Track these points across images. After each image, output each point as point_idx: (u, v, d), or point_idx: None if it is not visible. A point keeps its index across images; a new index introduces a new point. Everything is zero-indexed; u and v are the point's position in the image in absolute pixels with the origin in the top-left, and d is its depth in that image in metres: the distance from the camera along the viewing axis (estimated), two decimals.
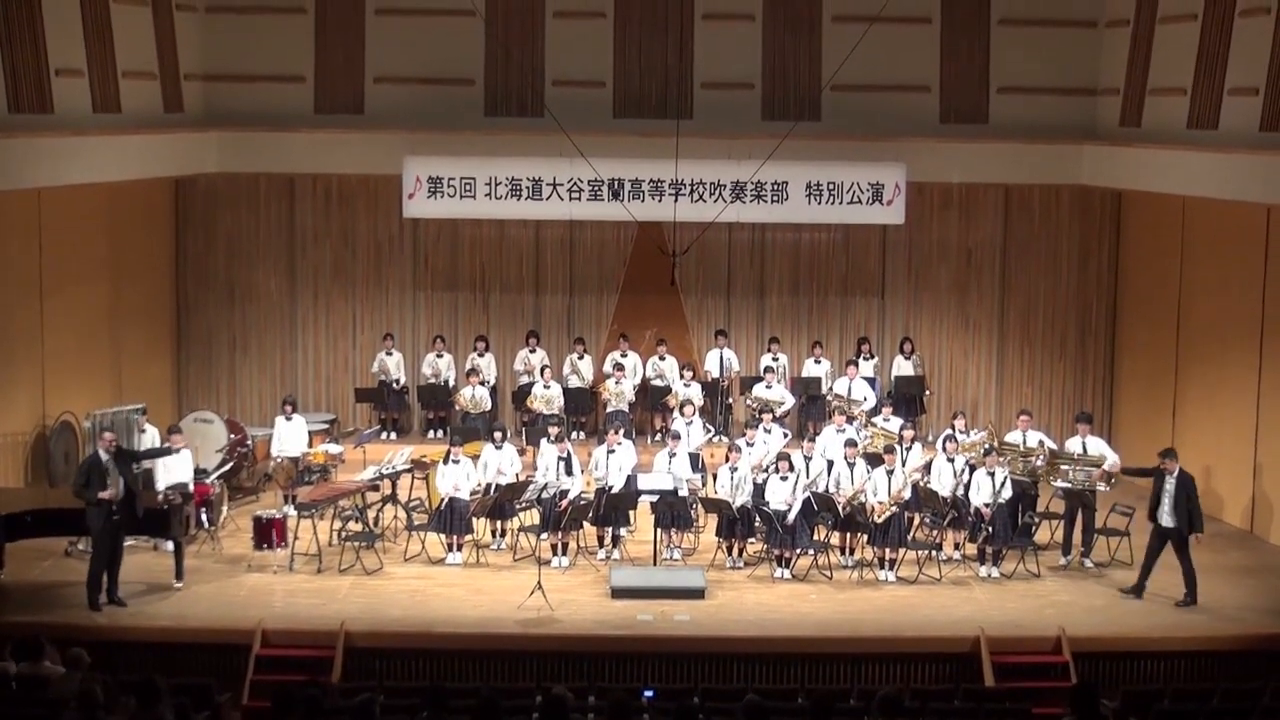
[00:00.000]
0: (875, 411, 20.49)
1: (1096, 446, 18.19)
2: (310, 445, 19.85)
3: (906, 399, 21.76)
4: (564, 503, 17.60)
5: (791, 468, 17.52)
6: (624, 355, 22.18)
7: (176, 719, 10.99)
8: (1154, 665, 15.65)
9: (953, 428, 18.76)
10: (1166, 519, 16.56)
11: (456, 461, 17.91)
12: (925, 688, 14.97)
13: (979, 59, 22.61)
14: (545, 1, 22.48)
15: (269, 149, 22.25)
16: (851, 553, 17.80)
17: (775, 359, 21.99)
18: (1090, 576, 17.60)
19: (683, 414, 19.70)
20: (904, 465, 17.79)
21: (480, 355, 22.33)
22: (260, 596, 16.54)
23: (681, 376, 21.64)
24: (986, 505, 17.30)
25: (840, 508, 17.41)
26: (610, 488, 17.89)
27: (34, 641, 12.54)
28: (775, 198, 21.81)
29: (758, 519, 17.58)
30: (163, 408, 21.55)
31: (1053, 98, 22.41)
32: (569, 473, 17.95)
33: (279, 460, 19.62)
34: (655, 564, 17.52)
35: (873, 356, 22.27)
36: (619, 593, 16.61)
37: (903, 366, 22.30)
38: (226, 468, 19.35)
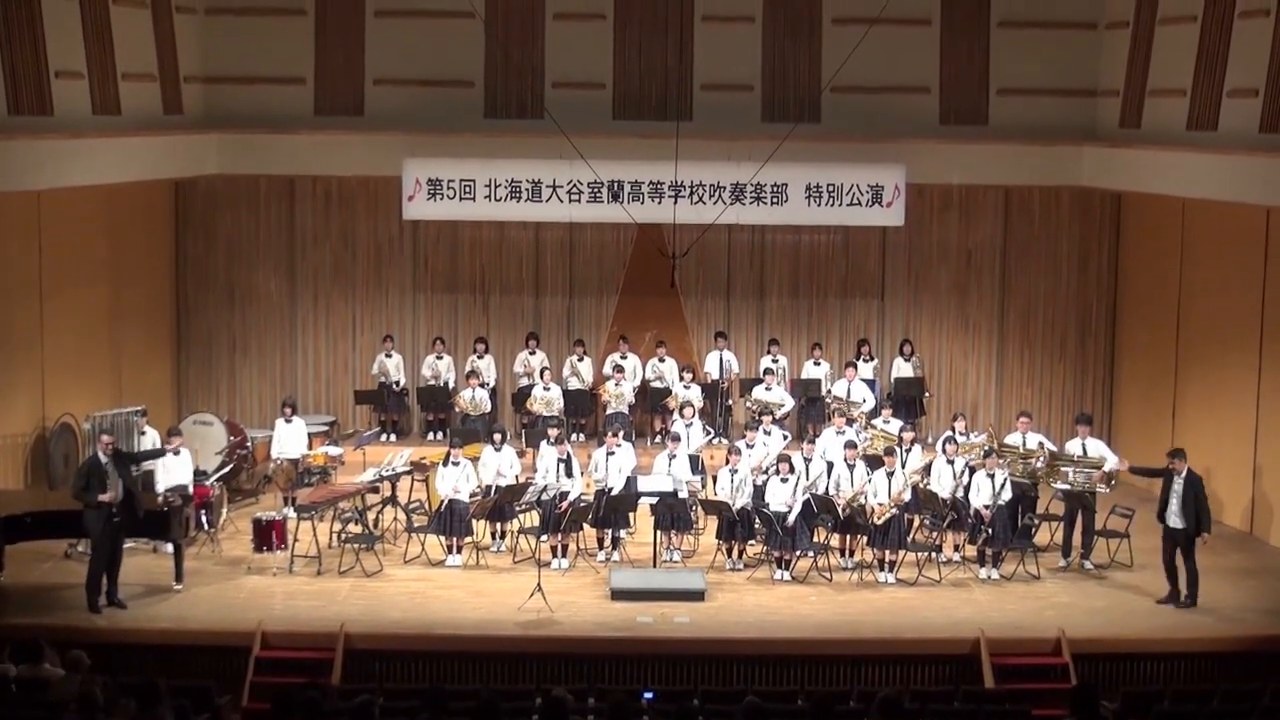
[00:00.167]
0: (875, 413, 20.49)
1: (1096, 448, 18.19)
2: (310, 447, 19.85)
3: (906, 401, 21.76)
4: (564, 505, 17.60)
5: (791, 469, 17.52)
6: (624, 357, 22.18)
7: None
8: (1154, 667, 15.65)
9: (953, 429, 18.75)
10: (1174, 519, 16.55)
11: (456, 463, 17.91)
12: (925, 689, 14.99)
13: (979, 60, 22.62)
14: (545, 3, 22.48)
15: (269, 151, 22.25)
16: (851, 554, 17.80)
17: (775, 361, 21.99)
18: (1090, 578, 17.60)
19: (682, 416, 19.70)
20: (904, 467, 17.79)
21: (480, 357, 22.33)
22: (260, 598, 16.53)
23: (681, 378, 21.64)
24: (986, 507, 17.30)
25: (840, 510, 17.41)
26: (610, 489, 17.89)
27: (34, 644, 12.54)
28: (775, 199, 21.81)
29: (757, 521, 17.58)
30: (163, 410, 21.55)
31: (1052, 99, 22.41)
32: (569, 475, 17.95)
33: (279, 462, 19.61)
34: (655, 566, 17.52)
35: (872, 358, 22.28)
36: (619, 594, 16.61)
37: (902, 368, 22.30)
38: (226, 470, 19.35)
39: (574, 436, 21.42)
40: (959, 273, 23.02)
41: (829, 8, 22.37)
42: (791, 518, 17.20)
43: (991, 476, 17.40)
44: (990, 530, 17.35)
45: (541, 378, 21.58)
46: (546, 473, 17.94)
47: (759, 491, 17.61)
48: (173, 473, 17.81)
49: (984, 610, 16.46)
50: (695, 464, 18.62)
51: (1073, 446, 18.25)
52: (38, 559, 17.22)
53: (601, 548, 18.05)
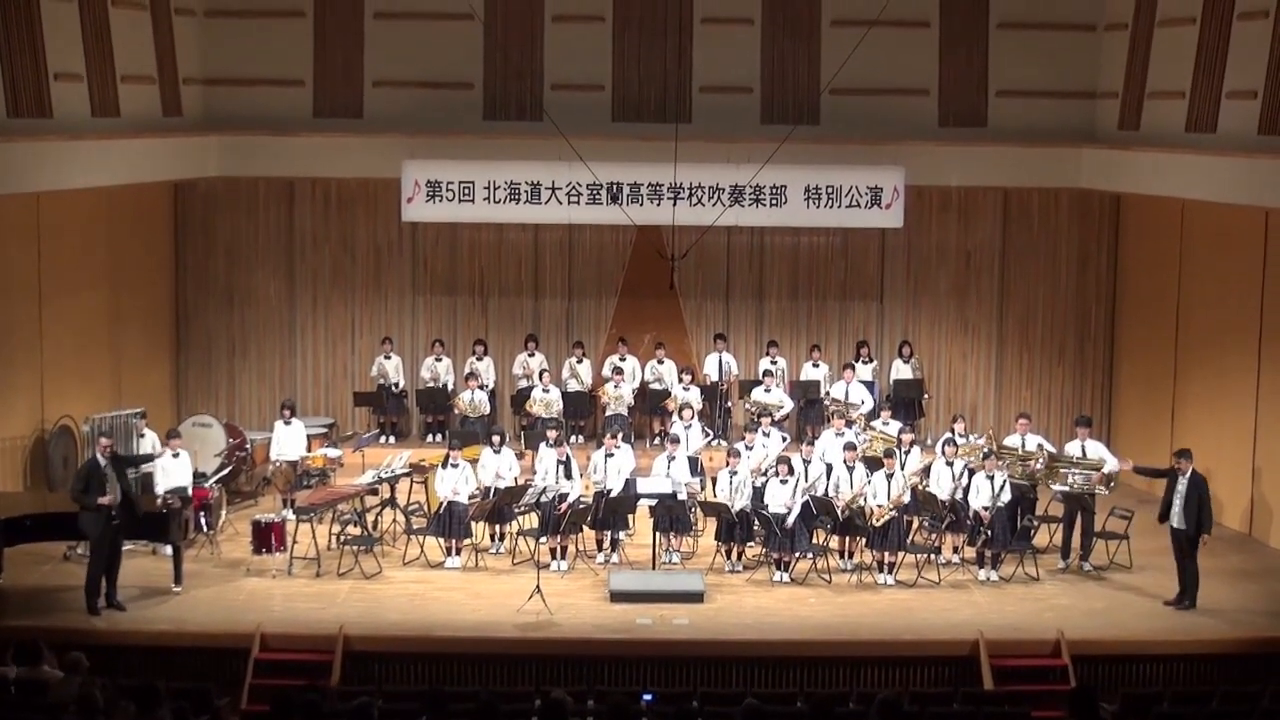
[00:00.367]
0: (874, 415, 20.49)
1: (1096, 450, 18.19)
2: (309, 449, 19.84)
3: (905, 402, 21.76)
4: (563, 506, 17.60)
5: (791, 471, 17.52)
6: (623, 359, 22.18)
7: None
8: (1153, 668, 15.65)
9: (952, 431, 18.75)
10: (1177, 520, 16.56)
11: (455, 465, 17.92)
12: (924, 691, 15.00)
13: (978, 62, 22.62)
14: (544, 5, 22.48)
15: (268, 153, 22.24)
16: (850, 556, 17.80)
17: (774, 363, 21.99)
18: (1089, 580, 17.60)
19: (681, 418, 19.70)
20: (903, 469, 17.79)
21: (479, 359, 22.34)
22: (259, 600, 16.53)
23: (680, 380, 21.64)
24: (985, 509, 17.30)
25: (839, 511, 17.41)
26: (609, 491, 17.89)
27: (33, 646, 12.53)
28: (774, 201, 21.83)
29: (756, 523, 17.59)
30: (162, 412, 21.55)
31: (1051, 101, 22.42)
32: (568, 476, 17.95)
33: (278, 464, 19.61)
34: (654, 568, 17.52)
35: (871, 360, 22.28)
36: (618, 596, 16.61)
37: (901, 370, 22.30)
38: (225, 472, 19.35)
39: (573, 438, 21.40)
40: (958, 274, 23.02)
41: (828, 10, 22.38)
42: (790, 519, 17.20)
43: (991, 478, 17.41)
44: (989, 532, 17.35)
45: (540, 380, 21.58)
46: (545, 475, 17.94)
47: (758, 493, 17.61)
48: (172, 475, 17.84)
49: (983, 612, 16.46)
50: (694, 466, 18.62)
51: (1072, 448, 18.25)
52: (37, 561, 17.22)
53: (600, 550, 18.05)
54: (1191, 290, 20.84)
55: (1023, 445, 18.44)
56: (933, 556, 17.60)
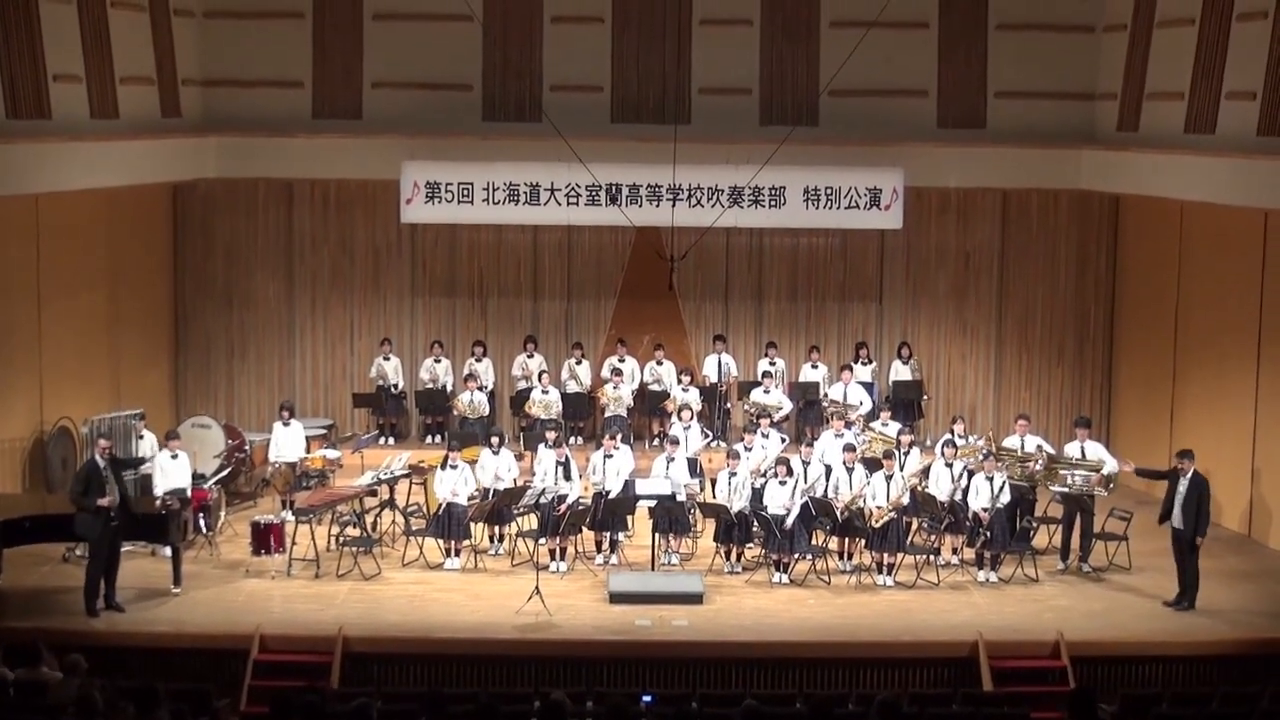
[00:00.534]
0: (874, 416, 20.49)
1: (1095, 451, 18.19)
2: (308, 450, 19.85)
3: (904, 404, 21.75)
4: (562, 508, 17.60)
5: (790, 472, 17.52)
6: (622, 360, 22.17)
7: None
8: (1152, 669, 15.65)
9: (951, 432, 18.75)
10: (1177, 521, 16.55)
11: (454, 466, 17.91)
12: (923, 692, 14.99)
13: (977, 64, 22.63)
14: (543, 6, 22.49)
15: (267, 154, 22.24)
16: (850, 557, 17.79)
17: (772, 364, 21.99)
18: (1088, 581, 17.60)
19: (680, 419, 19.70)
20: (902, 470, 17.80)
21: (478, 360, 22.33)
22: (258, 602, 16.53)
23: (679, 381, 21.64)
24: (985, 510, 17.30)
25: (838, 512, 17.41)
26: (608, 493, 17.88)
27: (32, 647, 12.53)
28: (773, 203, 21.84)
29: (756, 524, 17.59)
30: (161, 413, 21.54)
31: (1050, 102, 22.42)
32: (567, 477, 17.95)
33: (277, 465, 19.61)
34: (653, 569, 17.52)
35: (871, 361, 22.28)
36: (617, 598, 16.61)
37: (900, 371, 22.29)
38: (224, 473, 19.35)
39: (572, 439, 21.37)
40: (957, 276, 23.02)
41: (827, 11, 22.39)
42: (789, 521, 17.20)
43: (990, 479, 17.41)
44: (989, 533, 17.35)
45: (540, 381, 21.58)
46: (545, 476, 17.94)
47: (757, 494, 17.61)
48: (171, 476, 17.83)
49: (982, 613, 16.45)
50: (693, 467, 18.62)
51: (1071, 449, 18.25)
52: (36, 562, 17.21)
53: (600, 551, 18.05)
54: (1190, 291, 20.84)
55: (1022, 446, 18.44)
56: (932, 558, 17.59)
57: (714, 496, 18.02)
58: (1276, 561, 18.64)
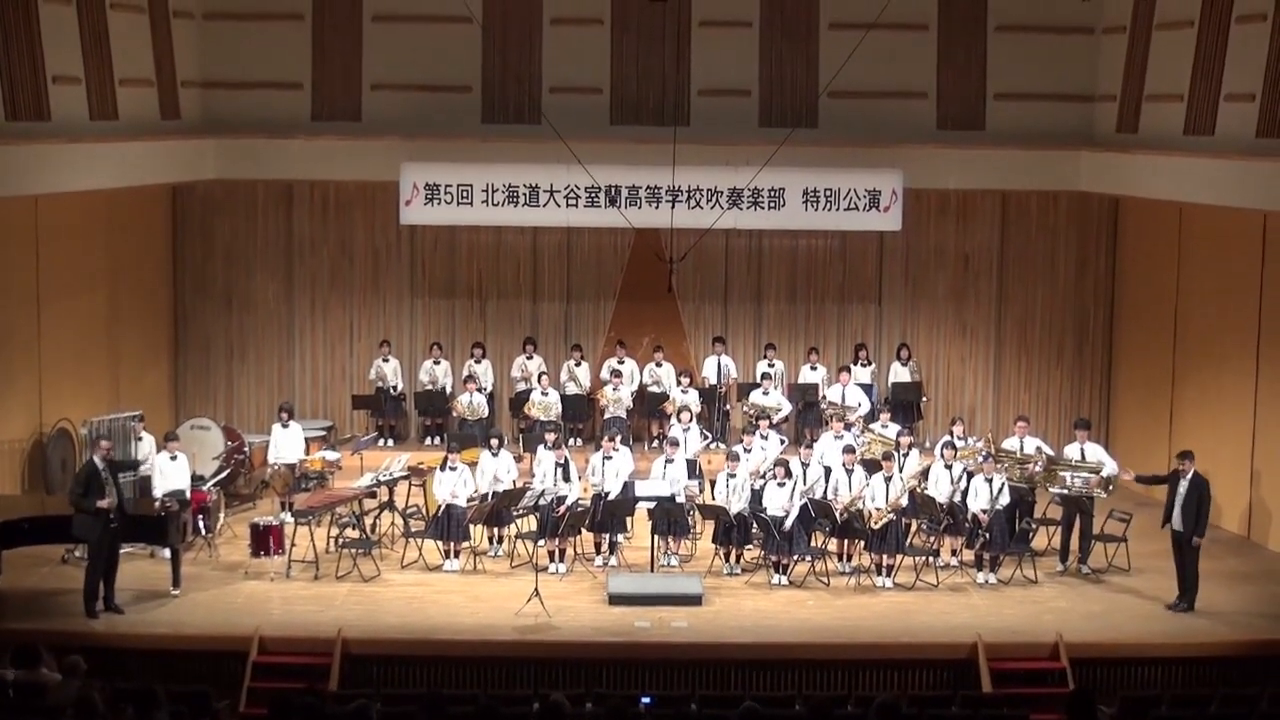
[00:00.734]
0: (873, 418, 20.49)
1: (1095, 453, 18.19)
2: (307, 452, 19.85)
3: (904, 405, 21.74)
4: (561, 509, 17.60)
5: (789, 474, 17.52)
6: (621, 362, 22.17)
7: None
8: (1152, 671, 15.65)
9: (950, 434, 18.76)
10: (1177, 522, 16.55)
11: (454, 468, 17.91)
12: (923, 694, 15.00)
13: (976, 65, 22.63)
14: (542, 8, 22.49)
15: (266, 156, 22.23)
16: (849, 559, 17.79)
17: (771, 365, 21.99)
18: (1088, 582, 17.60)
19: (680, 420, 19.70)
20: (901, 472, 17.79)
21: (477, 362, 22.33)
22: (257, 603, 16.53)
23: (679, 383, 21.63)
24: (984, 511, 17.30)
25: (837, 514, 17.41)
26: (607, 494, 17.88)
27: (31, 649, 12.52)
28: (772, 204, 21.83)
29: (755, 526, 17.58)
30: (160, 415, 21.55)
31: (1050, 104, 22.42)
32: (566, 479, 17.95)
33: (276, 467, 19.61)
34: (653, 570, 17.52)
35: (870, 363, 22.28)
36: (616, 599, 16.60)
37: (900, 373, 22.28)
38: (223, 475, 19.37)
39: (571, 441, 21.36)
40: (956, 277, 23.02)
41: (826, 13, 22.39)
42: (789, 522, 17.20)
43: (989, 481, 17.41)
44: (988, 535, 17.36)
45: (539, 382, 21.57)
46: (544, 477, 17.95)
47: (756, 496, 17.61)
48: (170, 478, 17.84)
49: (981, 615, 16.45)
50: (693, 469, 18.63)
51: (1071, 451, 18.25)
52: (35, 564, 17.20)
53: (599, 552, 18.06)
54: (1190, 293, 20.84)
55: (1021, 448, 18.44)
56: (931, 559, 17.59)
57: (713, 498, 18.02)
58: (1276, 563, 18.64)
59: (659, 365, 22.24)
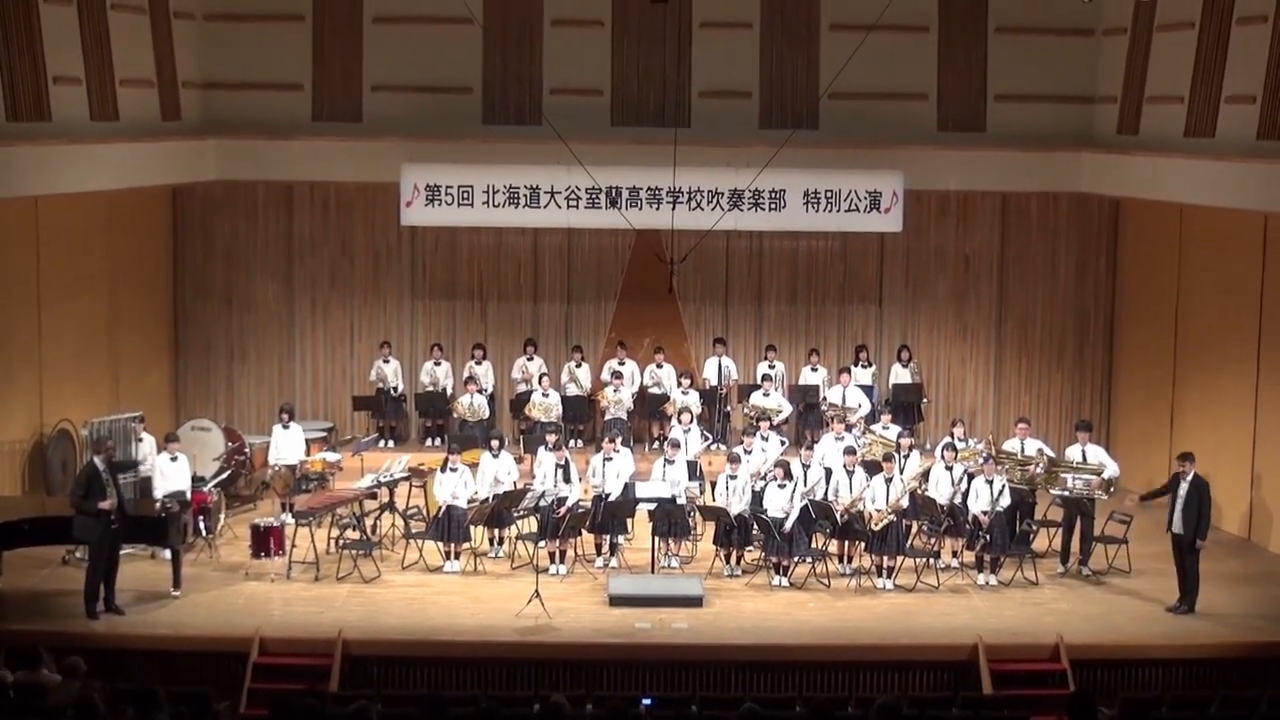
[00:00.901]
0: (874, 419, 20.49)
1: (1096, 455, 18.18)
2: (308, 453, 19.85)
3: (904, 407, 21.73)
4: (562, 510, 17.60)
5: (789, 475, 17.51)
6: (622, 363, 22.16)
7: None
8: (1152, 673, 15.65)
9: (951, 436, 18.76)
10: (1177, 524, 16.54)
11: (454, 469, 17.91)
12: (923, 696, 14.99)
13: (976, 67, 22.63)
14: (543, 10, 22.49)
15: (267, 157, 22.23)
16: (849, 561, 17.79)
17: (772, 367, 21.98)
18: (1088, 584, 17.59)
19: (680, 422, 19.69)
20: (902, 473, 17.79)
21: (478, 363, 22.33)
22: (258, 604, 16.52)
23: (679, 384, 21.63)
24: (984, 513, 17.30)
25: (838, 515, 17.40)
26: (608, 495, 17.88)
27: (31, 650, 12.53)
28: (773, 206, 21.83)
29: (755, 527, 17.58)
30: (161, 416, 21.54)
31: (1050, 105, 22.42)
32: (566, 480, 17.95)
33: (276, 468, 19.61)
34: (653, 572, 17.52)
35: (871, 364, 22.27)
36: (617, 601, 16.60)
37: (900, 374, 22.27)
38: (224, 476, 19.37)
39: (572, 442, 21.38)
40: (957, 279, 23.02)
41: (827, 14, 22.39)
42: (789, 524, 17.19)
43: (990, 482, 17.41)
44: (988, 536, 17.35)
45: (540, 383, 21.57)
46: (544, 478, 17.94)
47: (757, 497, 17.60)
48: (170, 479, 17.84)
49: (982, 616, 16.45)
50: (693, 470, 18.62)
51: (1072, 453, 18.24)
52: (35, 565, 17.20)
53: (600, 554, 18.05)
54: (1190, 294, 20.84)
55: (1022, 450, 18.43)
56: (932, 561, 17.59)
57: (714, 499, 18.02)
58: (1276, 565, 18.63)
59: (660, 366, 22.24)
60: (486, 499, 17.91)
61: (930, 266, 23.00)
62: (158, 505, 17.04)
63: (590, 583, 17.35)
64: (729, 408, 22.15)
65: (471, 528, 17.81)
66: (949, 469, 17.84)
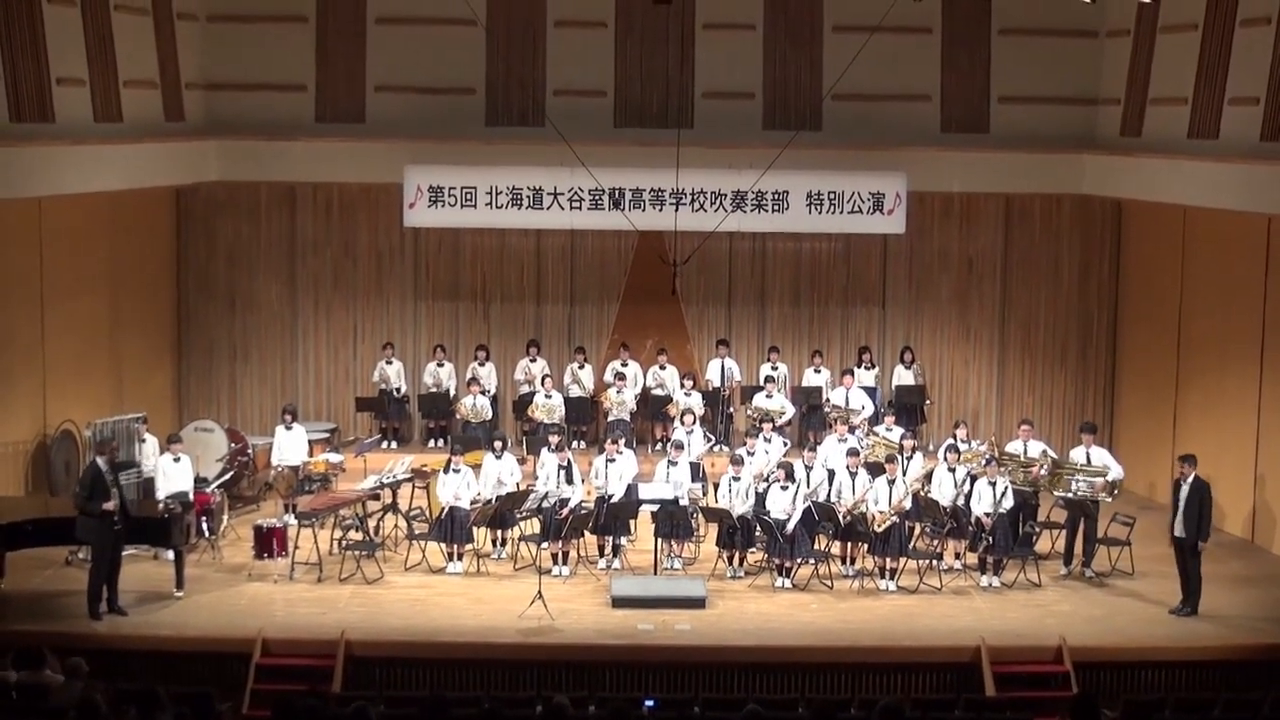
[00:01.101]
0: (877, 420, 20.48)
1: (1100, 457, 18.18)
2: (311, 454, 19.86)
3: (907, 408, 21.73)
4: (564, 512, 17.60)
5: (792, 477, 17.50)
6: (625, 364, 22.17)
7: None
8: (1155, 675, 15.63)
9: (954, 437, 18.74)
10: (1179, 527, 16.53)
11: (457, 470, 17.91)
12: (926, 697, 14.99)
13: (980, 68, 22.63)
14: (546, 11, 22.50)
15: (270, 158, 22.25)
16: (852, 562, 17.78)
17: (775, 368, 21.98)
18: (1091, 586, 17.58)
19: (683, 423, 19.69)
20: (905, 475, 17.78)
21: (481, 364, 22.33)
22: (261, 605, 16.52)
23: (682, 386, 21.63)
24: (987, 515, 17.29)
25: (841, 517, 17.40)
26: (611, 497, 17.88)
27: (34, 650, 12.53)
28: (776, 207, 21.83)
29: (758, 528, 17.58)
30: (164, 417, 21.53)
31: (1053, 107, 22.42)
32: (569, 482, 17.94)
33: (279, 469, 19.61)
34: (656, 573, 17.51)
35: (874, 366, 22.26)
36: (620, 602, 16.60)
37: (903, 376, 22.27)
38: (227, 477, 19.37)
39: (575, 444, 21.41)
40: (960, 280, 23.01)
41: (830, 15, 22.39)
42: (792, 525, 17.19)
43: (993, 484, 17.40)
44: (991, 538, 17.34)
45: (543, 385, 21.58)
46: (547, 480, 17.95)
47: (760, 499, 17.60)
48: (173, 480, 17.85)
49: (985, 618, 16.44)
50: (696, 471, 18.62)
51: (1077, 455, 18.24)
52: (38, 566, 17.21)
53: (602, 555, 18.05)
54: (1193, 296, 20.83)
55: (1025, 451, 18.43)
56: (934, 562, 17.58)
57: (716, 501, 18.02)
58: (1279, 567, 18.61)
59: (663, 368, 22.24)
60: (489, 500, 17.91)
61: (933, 268, 23.00)
62: (160, 506, 17.04)
63: (593, 584, 17.35)
64: (732, 409, 22.14)
65: (474, 529, 17.81)
66: (952, 471, 17.84)
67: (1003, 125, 22.55)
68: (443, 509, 17.81)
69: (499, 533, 18.21)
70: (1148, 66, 21.01)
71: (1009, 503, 17.41)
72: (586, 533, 17.88)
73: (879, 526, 17.22)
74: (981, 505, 17.36)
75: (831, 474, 17.96)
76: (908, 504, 17.47)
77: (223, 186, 22.56)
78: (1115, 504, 18.11)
